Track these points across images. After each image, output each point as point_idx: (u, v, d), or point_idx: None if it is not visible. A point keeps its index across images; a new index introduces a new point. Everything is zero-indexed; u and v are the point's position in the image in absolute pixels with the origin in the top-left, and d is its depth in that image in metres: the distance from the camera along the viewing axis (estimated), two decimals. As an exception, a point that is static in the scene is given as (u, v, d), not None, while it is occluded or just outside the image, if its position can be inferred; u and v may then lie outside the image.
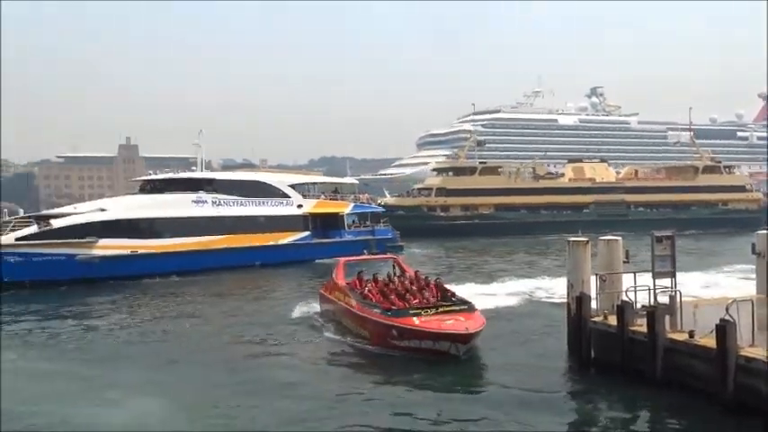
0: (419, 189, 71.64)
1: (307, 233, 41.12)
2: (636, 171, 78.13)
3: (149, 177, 39.98)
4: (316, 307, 20.55)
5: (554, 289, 23.48)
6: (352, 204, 46.38)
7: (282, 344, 16.50)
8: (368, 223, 48.14)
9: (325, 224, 42.90)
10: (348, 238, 43.84)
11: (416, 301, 16.09)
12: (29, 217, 32.26)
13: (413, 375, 13.02)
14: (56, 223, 30.06)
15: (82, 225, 30.59)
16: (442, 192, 68.12)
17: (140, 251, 31.96)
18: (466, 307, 15.48)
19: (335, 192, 47.33)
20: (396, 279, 18.40)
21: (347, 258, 19.86)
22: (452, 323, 14.40)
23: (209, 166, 46.17)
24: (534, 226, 62.00)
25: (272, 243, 38.14)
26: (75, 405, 11.53)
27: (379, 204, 71.19)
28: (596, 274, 13.82)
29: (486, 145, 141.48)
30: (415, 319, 14.63)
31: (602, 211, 68.16)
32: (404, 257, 24.74)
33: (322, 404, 11.36)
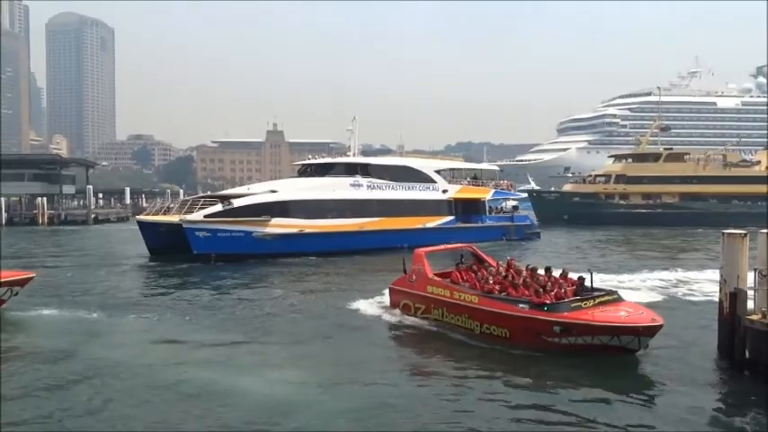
0: (596, 176, 70.13)
1: (451, 217, 42.15)
2: None
3: (308, 162, 42.17)
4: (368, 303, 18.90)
5: (703, 285, 22.15)
6: (493, 190, 47.04)
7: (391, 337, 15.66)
8: (506, 208, 48.14)
9: (467, 209, 43.74)
10: (489, 223, 44.84)
11: (554, 292, 14.70)
12: (214, 196, 35.46)
13: (557, 371, 12.42)
14: (236, 203, 32.75)
15: (258, 205, 33.07)
16: (621, 179, 66.03)
17: (306, 230, 34.05)
18: (616, 296, 14.43)
19: (475, 178, 47.83)
20: (504, 270, 16.55)
21: (426, 249, 17.66)
22: (627, 315, 13.20)
23: (347, 152, 48.24)
24: (724, 217, 57.07)
25: (419, 226, 39.27)
26: (219, 371, 12.25)
27: (556, 191, 71.29)
28: (755, 270, 12.73)
29: (623, 130, 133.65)
30: (578, 313, 13.37)
31: None
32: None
33: (476, 404, 10.76)
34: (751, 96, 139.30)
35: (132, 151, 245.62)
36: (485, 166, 58.89)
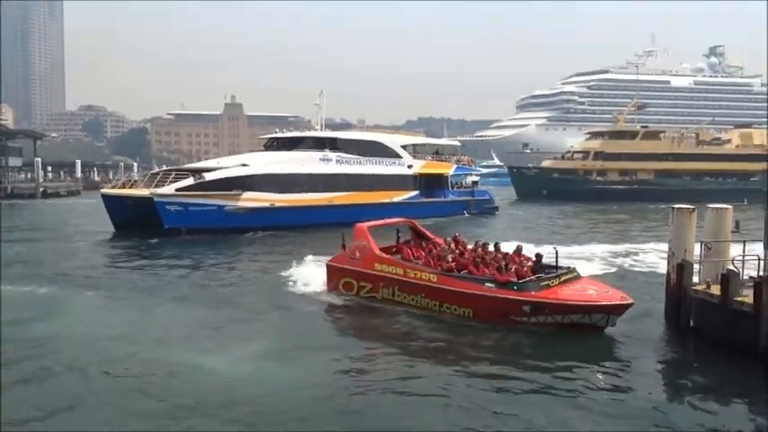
0: (574, 152, 72.00)
1: (416, 192, 43.04)
2: None
3: (276, 135, 42.37)
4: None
5: (648, 258, 23.18)
6: (455, 166, 48.06)
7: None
8: (466, 183, 49.16)
9: (431, 184, 44.62)
10: (451, 198, 46.07)
11: (513, 269, 14.43)
12: (185, 170, 34.96)
13: (511, 340, 12.63)
14: (208, 176, 32.45)
15: (230, 179, 32.95)
16: (599, 155, 67.90)
17: (277, 204, 34.17)
18: (576, 273, 14.34)
19: (437, 153, 48.55)
20: (455, 247, 16.11)
21: (369, 223, 16.63)
22: (597, 293, 13.20)
23: (309, 126, 48.03)
24: (696, 193, 57.55)
25: (386, 201, 39.85)
26: (180, 350, 12.07)
27: (536, 167, 73.76)
28: (701, 242, 13.27)
29: (581, 107, 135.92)
30: (547, 292, 13.26)
31: None
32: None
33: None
34: (704, 75, 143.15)
35: (83, 122, 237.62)
36: (446, 141, 59.56)
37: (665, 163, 66.72)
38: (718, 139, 73.46)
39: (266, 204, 33.59)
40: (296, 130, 46.83)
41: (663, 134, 70.83)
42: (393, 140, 44.52)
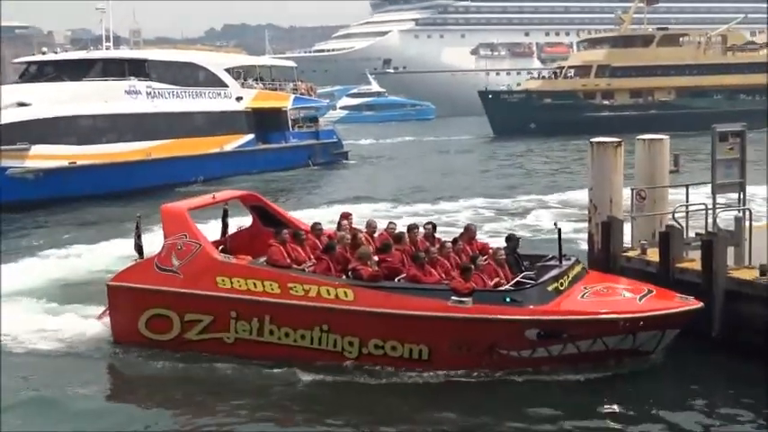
0: (569, 67, 72.47)
1: (250, 136, 43.95)
2: None
3: (40, 58, 40.80)
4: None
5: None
6: (293, 96, 48.59)
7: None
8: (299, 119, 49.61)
9: (266, 123, 45.38)
10: (293, 142, 46.94)
11: (484, 264, 12.10)
12: None
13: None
14: None
15: (11, 126, 31.65)
16: (604, 71, 69.00)
17: (80, 162, 33.63)
18: (583, 266, 12.76)
19: (261, 79, 48.48)
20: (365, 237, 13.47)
21: (190, 202, 14.29)
22: (637, 297, 11.55)
23: (50, 41, 45.98)
24: (732, 116, 59.49)
25: (216, 150, 40.31)
26: None
27: (520, 91, 73.71)
28: (632, 190, 13.73)
29: (462, 4, 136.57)
30: (560, 301, 11.36)
31: None
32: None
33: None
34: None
35: None
36: (274, 60, 59.70)
37: (690, 78, 68.74)
38: (753, 43, 76.25)
39: (64, 163, 32.76)
40: (42, 49, 45.06)
41: (685, 38, 72.60)
42: (214, 62, 45.08)
